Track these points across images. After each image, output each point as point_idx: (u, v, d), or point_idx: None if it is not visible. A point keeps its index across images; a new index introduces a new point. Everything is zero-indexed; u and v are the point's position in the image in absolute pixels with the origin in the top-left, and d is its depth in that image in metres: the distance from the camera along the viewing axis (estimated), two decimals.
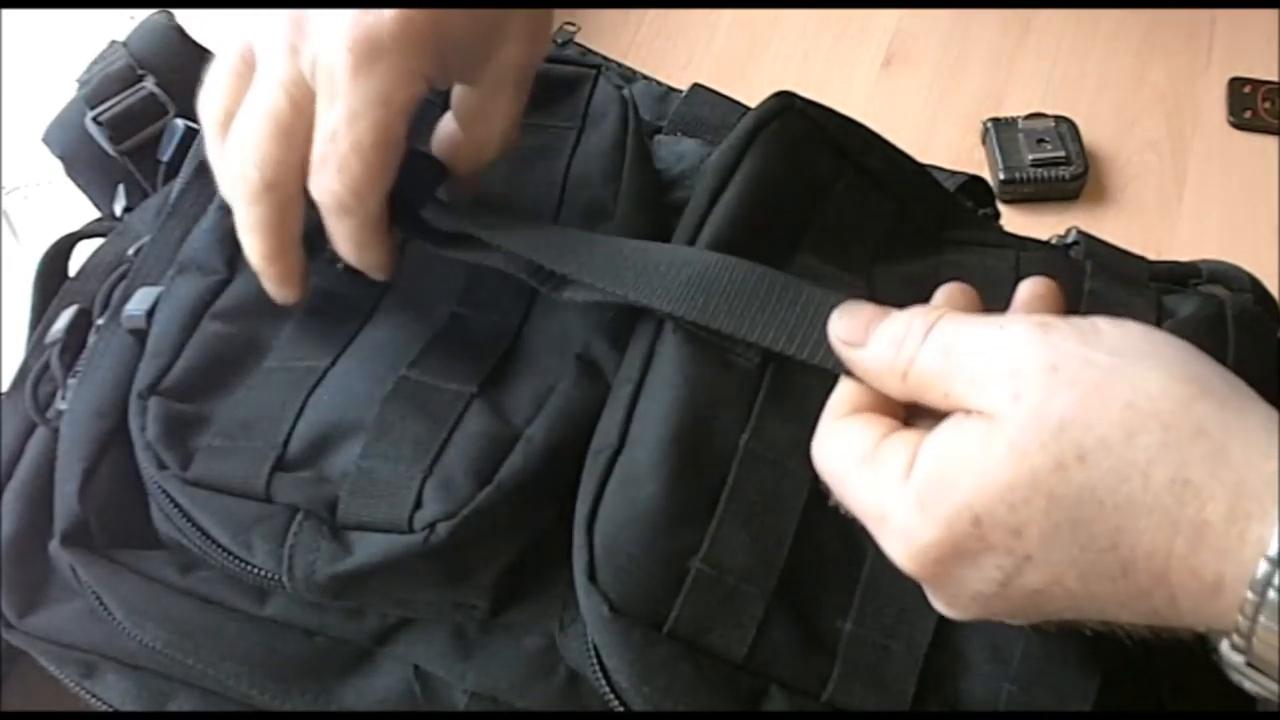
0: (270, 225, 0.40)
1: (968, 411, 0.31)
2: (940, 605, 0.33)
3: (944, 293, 0.37)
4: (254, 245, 0.41)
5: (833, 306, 0.37)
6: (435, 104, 0.45)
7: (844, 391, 0.35)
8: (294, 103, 0.39)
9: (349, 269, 0.43)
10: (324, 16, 0.38)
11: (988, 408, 0.30)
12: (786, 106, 0.44)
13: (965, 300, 0.37)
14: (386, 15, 0.38)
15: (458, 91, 0.43)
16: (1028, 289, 0.37)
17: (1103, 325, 0.31)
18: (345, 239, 0.41)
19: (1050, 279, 0.37)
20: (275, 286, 0.43)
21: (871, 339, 0.34)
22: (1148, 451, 0.28)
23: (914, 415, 0.34)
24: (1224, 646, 0.29)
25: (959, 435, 0.31)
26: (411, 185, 0.42)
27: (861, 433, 0.33)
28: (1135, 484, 0.28)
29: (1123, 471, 0.28)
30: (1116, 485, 0.28)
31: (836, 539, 0.38)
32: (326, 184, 0.39)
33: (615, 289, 0.40)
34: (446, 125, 0.44)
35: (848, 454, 0.33)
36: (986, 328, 0.32)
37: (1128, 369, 0.29)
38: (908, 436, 0.32)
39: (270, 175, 0.39)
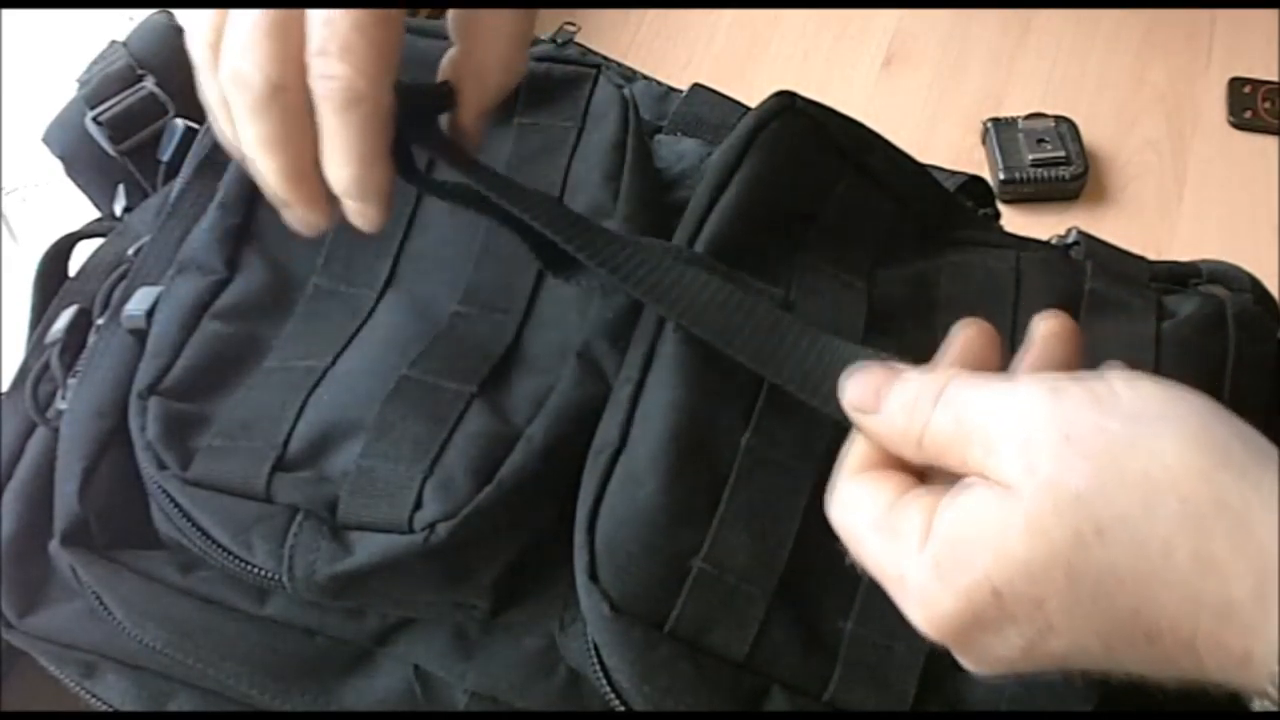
0: (284, 137, 0.37)
1: (984, 477, 0.31)
2: (967, 665, 0.33)
3: (959, 340, 0.35)
4: (270, 165, 0.38)
5: (846, 361, 0.36)
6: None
7: (858, 448, 0.35)
8: None
9: (341, 234, 0.40)
10: None
11: (1003, 478, 0.30)
12: (787, 106, 0.44)
13: (982, 343, 0.35)
14: None
15: (454, 13, 0.41)
16: (1042, 328, 0.35)
17: (1117, 386, 0.30)
18: (354, 141, 0.37)
19: (1065, 315, 0.35)
20: (302, 212, 0.39)
21: (883, 405, 0.33)
22: (1168, 524, 0.28)
23: (929, 470, 0.34)
24: (1256, 704, 0.29)
25: (976, 505, 0.30)
26: (410, 121, 0.39)
27: (876, 493, 0.33)
28: (1156, 558, 0.28)
29: (1143, 545, 0.28)
30: (1137, 560, 0.28)
31: (838, 539, 0.38)
32: (331, 70, 0.36)
33: (633, 289, 0.39)
34: (448, 55, 0.42)
35: (863, 515, 0.33)
36: (996, 392, 0.31)
37: (1143, 437, 0.29)
38: (924, 500, 0.32)
39: (275, 74, 0.36)
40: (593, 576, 0.37)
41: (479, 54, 0.41)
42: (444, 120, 0.41)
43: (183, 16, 0.40)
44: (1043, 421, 0.30)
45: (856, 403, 0.34)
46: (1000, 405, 0.31)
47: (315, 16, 0.36)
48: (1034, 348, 0.35)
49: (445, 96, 0.41)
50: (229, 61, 0.37)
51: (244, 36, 0.37)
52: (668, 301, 0.39)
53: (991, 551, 0.29)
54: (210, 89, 0.39)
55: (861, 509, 0.33)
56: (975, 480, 0.31)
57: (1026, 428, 0.30)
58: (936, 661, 0.37)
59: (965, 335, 0.35)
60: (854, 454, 0.34)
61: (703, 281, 0.39)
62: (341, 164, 0.37)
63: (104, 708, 0.48)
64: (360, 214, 0.39)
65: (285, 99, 0.37)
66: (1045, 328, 0.35)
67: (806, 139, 0.44)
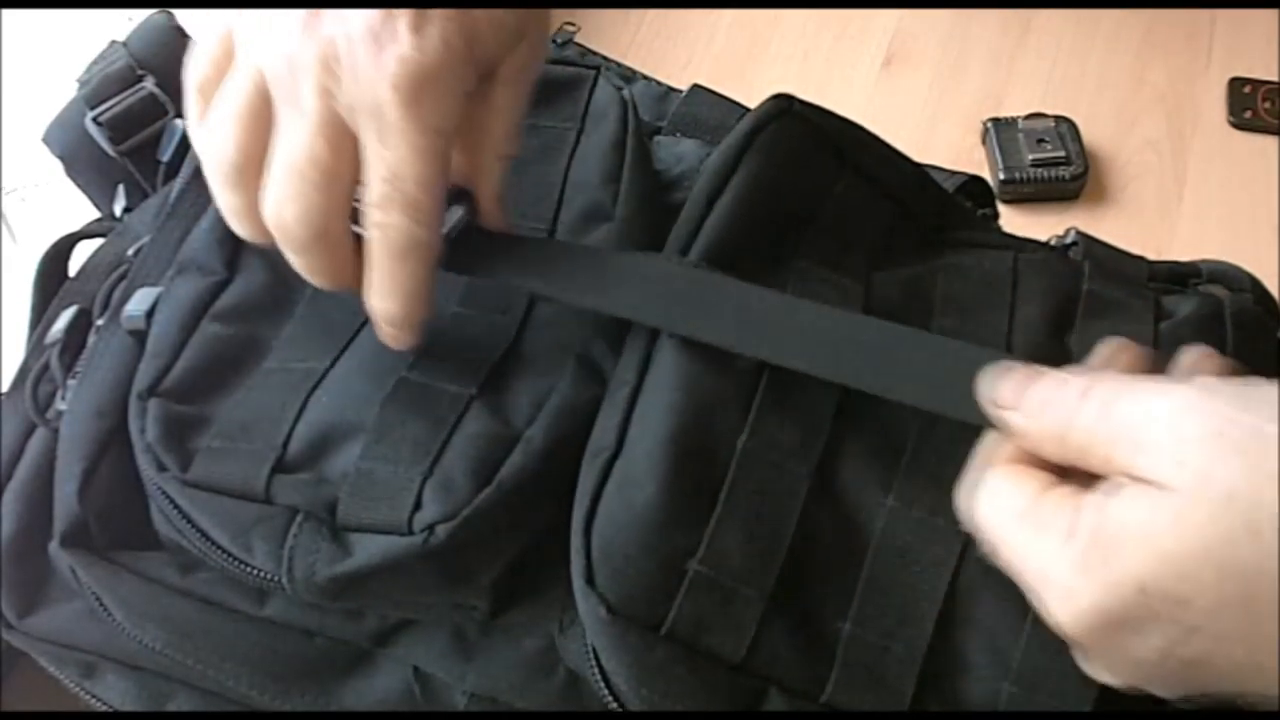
0: (323, 268, 0.40)
1: (1131, 477, 0.30)
2: (1095, 670, 0.33)
3: (1105, 350, 0.36)
4: (303, 273, 0.40)
5: (974, 362, 0.36)
6: None
7: (998, 446, 0.35)
8: (333, 146, 0.37)
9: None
10: (355, 55, 0.36)
11: (1152, 475, 0.30)
12: (784, 109, 0.44)
13: (1127, 358, 0.36)
14: (428, 45, 0.36)
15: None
16: (1191, 358, 0.35)
17: (1269, 390, 0.30)
18: (406, 282, 0.39)
19: (1212, 350, 0.35)
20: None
21: (1025, 402, 0.34)
22: None
23: (1068, 468, 0.33)
24: None
25: (1124, 501, 0.30)
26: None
27: (1018, 487, 0.33)
28: None
29: None
30: None
31: (835, 540, 0.38)
32: (394, 221, 0.37)
33: (732, 342, 0.39)
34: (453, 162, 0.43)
35: (1005, 509, 0.33)
36: (1147, 392, 0.31)
37: None
38: (1069, 496, 0.32)
39: (320, 225, 0.38)
40: (589, 580, 0.37)
41: (486, 144, 0.41)
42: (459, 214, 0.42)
43: (192, 45, 0.41)
44: (1194, 419, 0.30)
45: (1001, 400, 0.34)
46: (1150, 403, 0.31)
47: (375, 170, 0.37)
48: (1180, 364, 0.35)
49: (468, 204, 0.42)
50: (270, 208, 0.38)
51: (294, 185, 0.37)
52: (771, 349, 0.38)
53: (1139, 547, 0.29)
54: (202, 145, 0.40)
55: (1006, 503, 0.33)
56: (1123, 479, 0.31)
57: (1177, 425, 0.30)
58: (935, 662, 0.37)
59: (1110, 348, 0.36)
60: (992, 448, 0.35)
61: (814, 316, 0.39)
62: (388, 299, 0.39)
63: (104, 708, 0.48)
64: (397, 340, 0.41)
65: (328, 240, 0.38)
66: (1192, 358, 0.35)
67: (804, 142, 0.44)
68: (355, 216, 0.39)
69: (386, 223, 0.38)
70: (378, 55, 0.36)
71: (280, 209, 0.38)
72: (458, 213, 0.41)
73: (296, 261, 0.40)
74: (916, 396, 0.37)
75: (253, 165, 0.38)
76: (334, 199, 0.38)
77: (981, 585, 0.37)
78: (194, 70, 0.40)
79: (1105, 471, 0.31)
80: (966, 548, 0.38)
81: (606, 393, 0.41)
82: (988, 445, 0.35)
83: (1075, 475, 0.32)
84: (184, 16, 0.58)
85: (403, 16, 0.36)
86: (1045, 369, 0.34)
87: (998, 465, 0.34)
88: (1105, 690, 0.36)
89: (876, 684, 0.37)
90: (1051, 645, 0.37)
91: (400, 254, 0.38)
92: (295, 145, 0.37)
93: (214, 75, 0.39)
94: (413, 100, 0.36)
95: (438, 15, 0.37)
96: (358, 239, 0.39)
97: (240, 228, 0.40)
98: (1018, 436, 0.34)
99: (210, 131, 0.39)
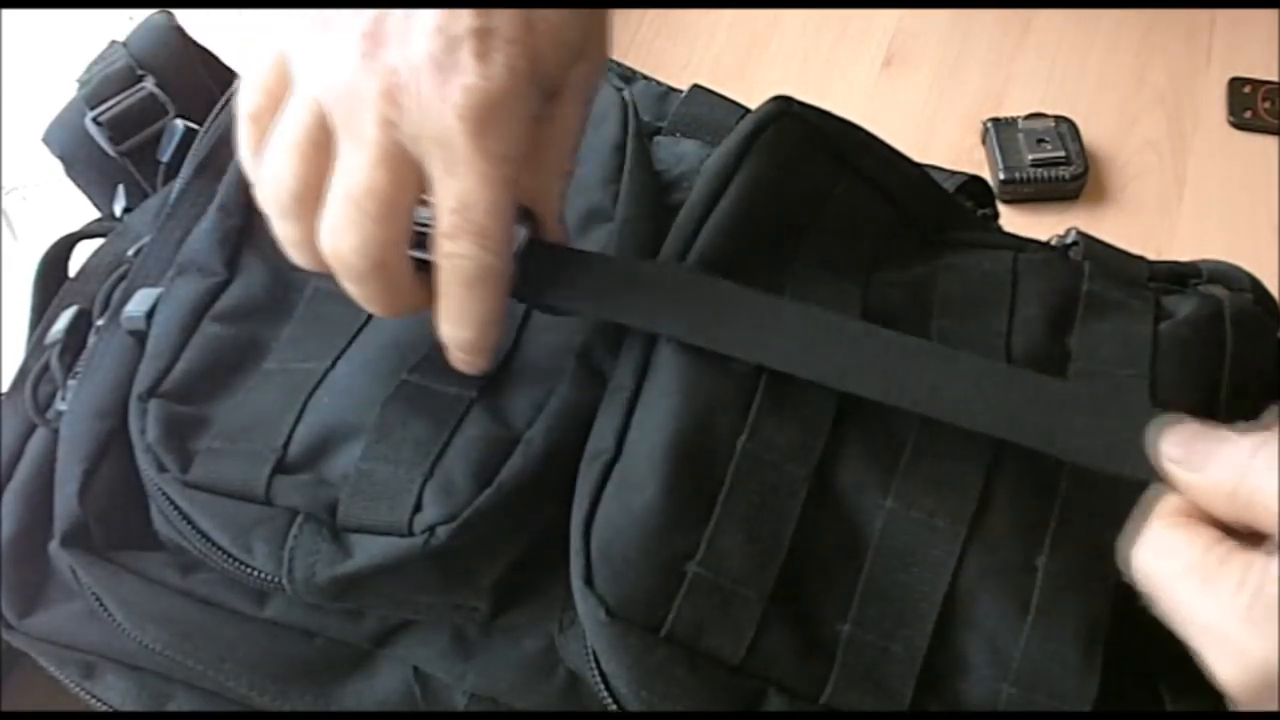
0: (383, 297, 0.39)
1: None
2: None
3: (1277, 410, 0.36)
4: (376, 312, 0.40)
5: (1138, 419, 0.36)
6: None
7: (1166, 499, 0.35)
8: (394, 177, 0.36)
9: None
10: (419, 84, 0.35)
11: None
12: (784, 111, 0.44)
13: None
14: (493, 73, 0.35)
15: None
16: None
17: None
18: (478, 309, 0.38)
19: None
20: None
21: (1195, 456, 0.34)
22: None
23: (1236, 525, 0.34)
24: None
25: None
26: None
27: (1189, 542, 0.33)
28: None
29: None
30: None
31: (835, 541, 0.38)
32: (463, 250, 0.37)
33: (891, 397, 0.38)
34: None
35: (1172, 562, 0.33)
36: None
37: None
38: (1236, 551, 0.32)
39: (377, 256, 0.37)
40: (588, 581, 0.37)
41: (546, 170, 0.41)
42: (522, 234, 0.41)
43: (240, 84, 0.40)
44: None
45: (1175, 457, 0.34)
46: None
47: (443, 200, 0.37)
48: None
49: (531, 223, 0.41)
50: (327, 238, 0.37)
51: (353, 217, 0.37)
52: (935, 406, 0.38)
53: None
54: (257, 175, 0.39)
55: (1174, 556, 0.33)
56: None
57: None
58: (935, 663, 0.37)
59: None
60: (1162, 504, 0.35)
61: (976, 371, 0.38)
62: (461, 327, 0.39)
63: (104, 708, 0.48)
64: (469, 365, 0.40)
65: (386, 270, 0.38)
66: None
67: (804, 144, 0.44)
68: (414, 242, 0.38)
69: (457, 252, 0.37)
70: (443, 85, 0.35)
71: (338, 240, 0.37)
72: (521, 232, 0.40)
73: (353, 291, 0.39)
74: (1087, 456, 0.37)
75: (311, 195, 0.38)
76: (392, 230, 0.37)
77: (980, 586, 0.37)
78: (246, 98, 0.39)
79: (1273, 529, 0.31)
80: (965, 549, 0.38)
81: (604, 395, 0.41)
82: (1151, 498, 0.35)
83: (1241, 531, 0.33)
84: (184, 16, 0.58)
85: (466, 43, 0.35)
86: (1220, 428, 0.34)
87: (1163, 519, 0.34)
88: (1105, 691, 0.36)
89: (876, 685, 0.37)
90: (1051, 646, 0.37)
91: (472, 282, 0.38)
92: (354, 176, 0.36)
93: (267, 104, 0.39)
94: (480, 129, 0.35)
95: (501, 40, 0.36)
96: (415, 264, 0.38)
97: (296, 256, 0.40)
98: (1186, 490, 0.34)
99: (267, 162, 0.38)
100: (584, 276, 0.41)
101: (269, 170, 0.38)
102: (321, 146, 0.37)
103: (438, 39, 0.35)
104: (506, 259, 0.38)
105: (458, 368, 0.41)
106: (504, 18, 0.36)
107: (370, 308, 0.39)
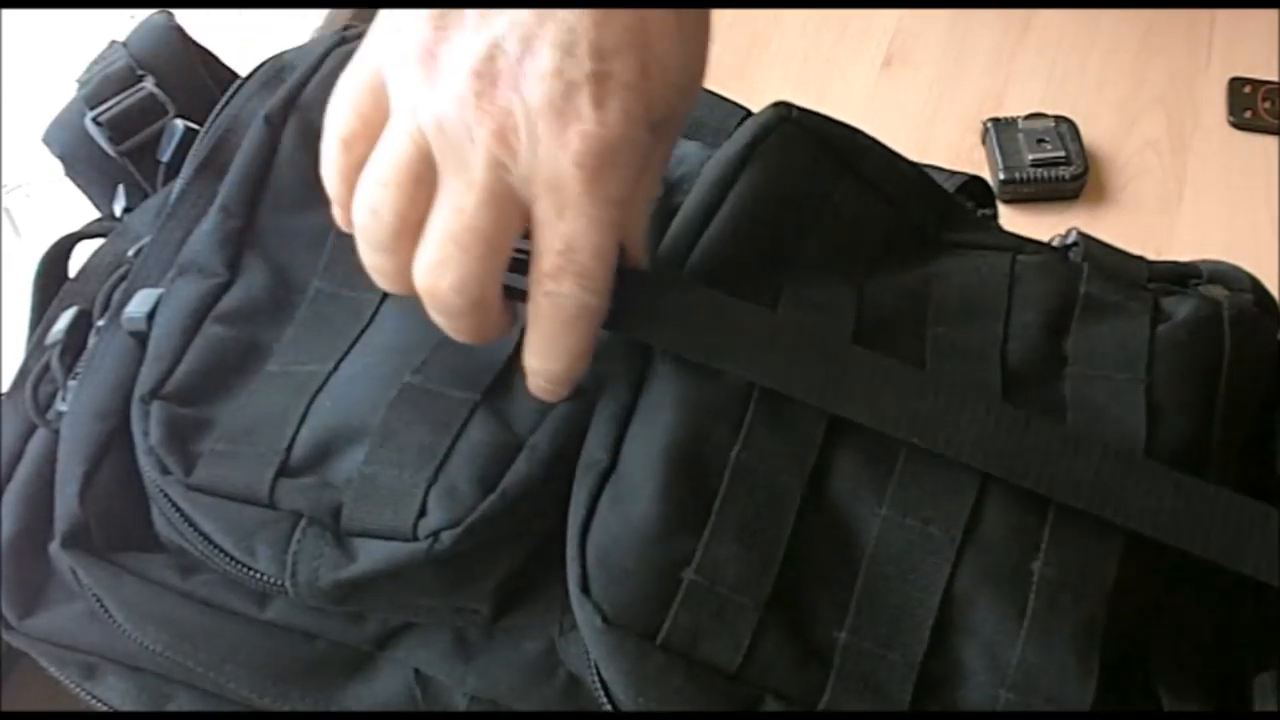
0: (473, 330, 0.39)
1: None
2: None
3: None
4: (462, 340, 0.40)
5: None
6: None
7: None
8: (498, 218, 0.36)
9: None
10: (535, 129, 0.35)
11: None
12: (784, 118, 0.44)
13: None
14: (610, 119, 0.35)
15: None
16: None
17: None
18: (572, 344, 0.38)
19: None
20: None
21: None
22: None
23: None
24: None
25: None
26: None
27: None
28: None
29: None
30: None
31: (830, 549, 0.38)
32: (566, 291, 0.37)
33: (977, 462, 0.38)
34: None
35: None
36: None
37: None
38: None
39: (476, 294, 0.37)
40: (585, 589, 0.37)
41: (636, 209, 0.40)
42: None
43: (333, 104, 0.39)
44: None
45: None
46: None
47: (549, 242, 0.36)
48: None
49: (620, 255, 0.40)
50: (425, 274, 0.37)
51: (444, 254, 0.36)
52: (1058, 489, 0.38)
53: None
54: (342, 198, 0.39)
55: None
56: None
57: None
58: (932, 670, 0.37)
59: None
60: None
61: (1125, 467, 0.38)
62: (551, 361, 0.39)
63: (104, 708, 0.48)
64: (551, 394, 0.40)
65: (482, 305, 0.38)
66: None
67: (803, 152, 0.44)
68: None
69: (559, 292, 0.37)
70: (561, 132, 0.35)
71: (436, 277, 0.37)
72: None
73: (443, 322, 0.38)
74: (1218, 556, 0.37)
75: (410, 232, 0.37)
76: (492, 268, 0.37)
77: (976, 592, 0.37)
78: (339, 122, 0.38)
79: None
80: (960, 555, 0.38)
81: (597, 407, 0.40)
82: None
83: None
84: (184, 17, 0.58)
85: (585, 88, 0.35)
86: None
87: None
88: (1102, 695, 0.36)
89: (873, 692, 0.37)
90: (1047, 650, 0.37)
91: (570, 321, 0.38)
92: (459, 215, 0.36)
93: (361, 130, 0.38)
94: (596, 176, 0.35)
95: (619, 86, 0.35)
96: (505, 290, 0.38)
97: (385, 286, 0.39)
98: None
99: (365, 192, 0.37)
100: (675, 309, 0.40)
101: (367, 202, 0.37)
102: (423, 181, 0.36)
103: (556, 83, 0.35)
104: (604, 298, 0.38)
105: (536, 395, 0.40)
106: (621, 63, 0.35)
107: (458, 337, 0.39)
